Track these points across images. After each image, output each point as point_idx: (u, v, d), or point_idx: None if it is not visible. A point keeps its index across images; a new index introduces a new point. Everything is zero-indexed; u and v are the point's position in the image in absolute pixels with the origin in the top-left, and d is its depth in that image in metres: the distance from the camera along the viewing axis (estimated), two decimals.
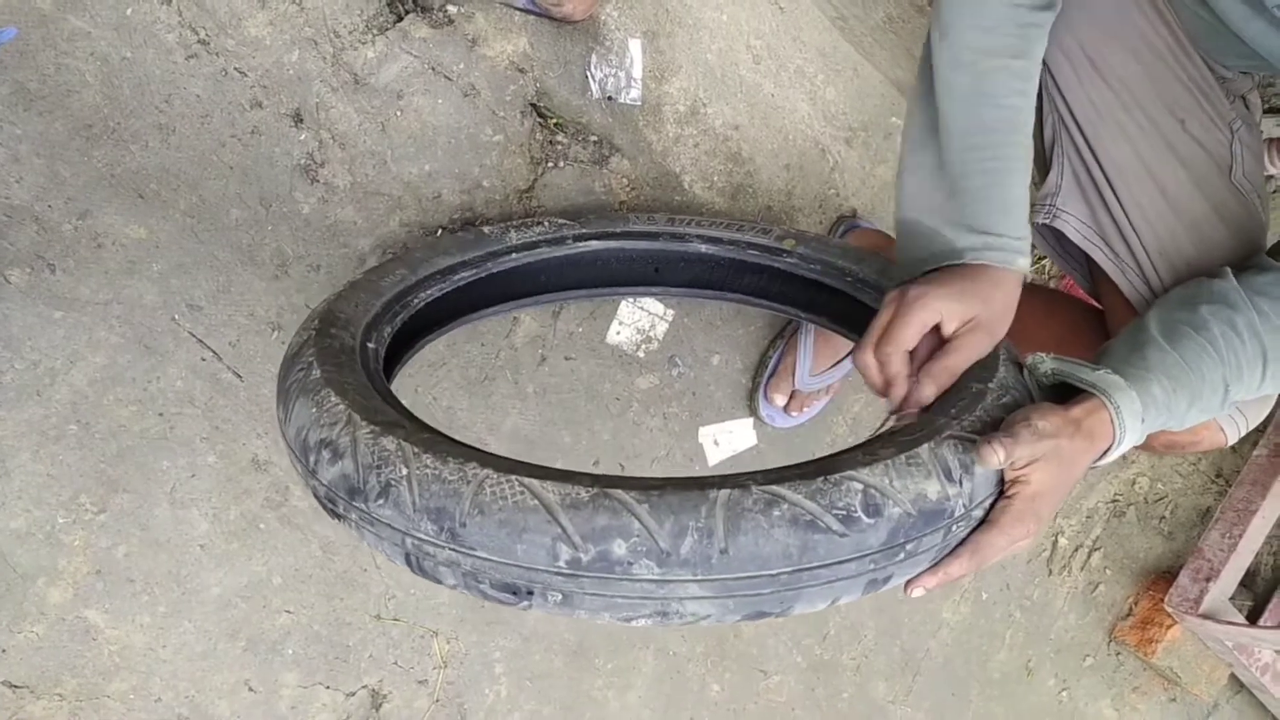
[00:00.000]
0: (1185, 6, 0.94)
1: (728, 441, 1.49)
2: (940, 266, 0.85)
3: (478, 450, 0.67)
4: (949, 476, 0.66)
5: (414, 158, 1.18)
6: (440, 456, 0.64)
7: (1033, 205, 1.04)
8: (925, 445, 0.67)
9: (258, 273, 1.13)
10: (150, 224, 1.07)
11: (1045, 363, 0.78)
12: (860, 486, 0.62)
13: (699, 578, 0.60)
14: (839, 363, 1.42)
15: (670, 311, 1.40)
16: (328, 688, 1.24)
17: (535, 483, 0.61)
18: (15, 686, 1.06)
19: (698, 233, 1.21)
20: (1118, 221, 0.98)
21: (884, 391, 0.83)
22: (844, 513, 0.61)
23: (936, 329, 0.82)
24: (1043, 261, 1.76)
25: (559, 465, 1.33)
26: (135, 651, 1.12)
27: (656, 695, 1.50)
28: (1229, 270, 0.87)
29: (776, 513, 0.60)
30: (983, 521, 0.70)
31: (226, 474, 1.14)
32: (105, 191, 1.04)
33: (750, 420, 1.50)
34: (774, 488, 0.61)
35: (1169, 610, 1.94)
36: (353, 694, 1.25)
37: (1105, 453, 0.75)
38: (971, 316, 0.81)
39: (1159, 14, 0.94)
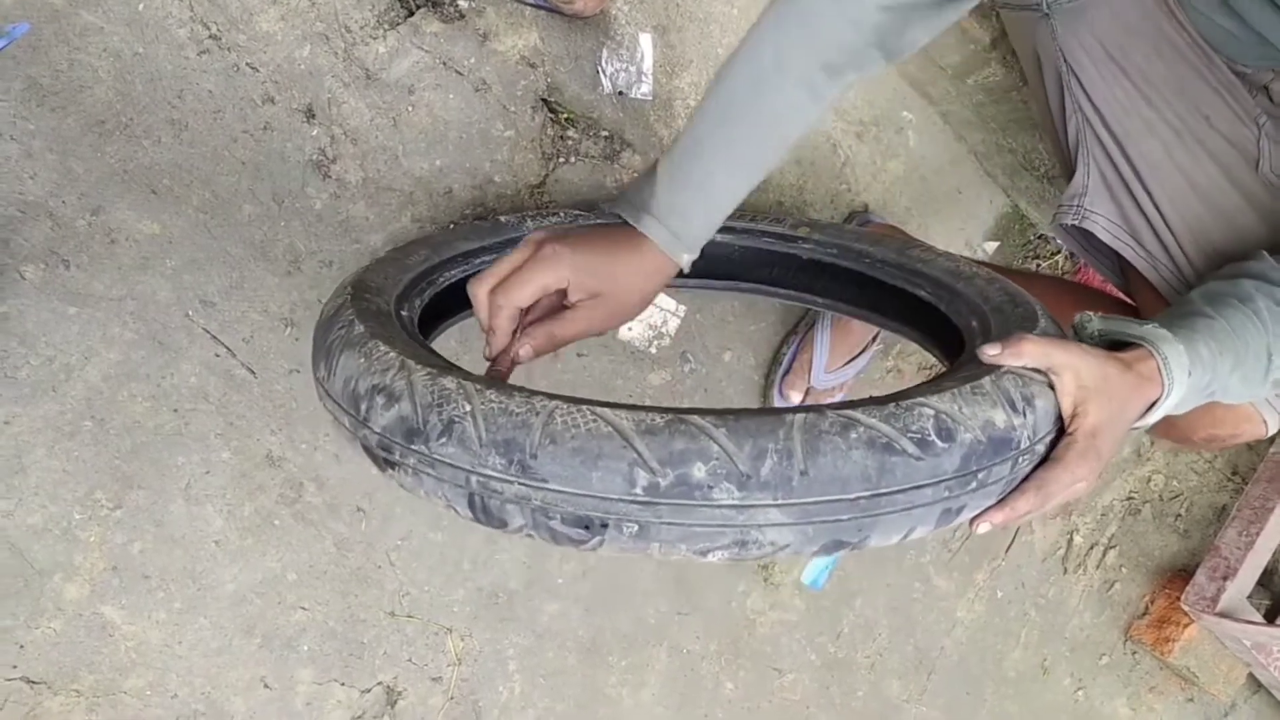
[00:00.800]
0: (1202, 15, 0.93)
1: None
2: (618, 220, 0.85)
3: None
4: (1013, 406, 0.66)
5: (425, 153, 1.19)
6: (504, 390, 0.62)
7: (1059, 206, 1.04)
8: (987, 378, 0.67)
9: (270, 268, 1.13)
10: (163, 220, 1.07)
11: (1093, 321, 0.78)
12: (931, 412, 0.62)
13: (779, 502, 0.59)
14: (854, 359, 1.42)
15: (682, 307, 1.39)
16: (343, 684, 1.23)
17: (608, 411, 0.60)
18: (33, 682, 1.06)
19: None
20: (1149, 217, 0.97)
21: (486, 332, 0.81)
22: (918, 436, 0.61)
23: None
24: (1056, 258, 1.75)
25: None
26: (151, 647, 1.11)
27: (670, 693, 1.49)
28: (1265, 253, 0.86)
29: (854, 435, 0.60)
30: (1045, 459, 0.70)
31: (241, 470, 1.14)
32: (118, 187, 1.04)
33: None
34: (849, 412, 0.60)
35: (1186, 609, 1.93)
36: (368, 690, 1.25)
37: (1153, 406, 0.74)
38: (598, 293, 0.80)
39: (1175, 18, 0.94)
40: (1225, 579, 1.87)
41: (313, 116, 1.12)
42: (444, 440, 0.62)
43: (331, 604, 1.22)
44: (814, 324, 1.42)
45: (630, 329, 1.36)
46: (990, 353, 0.71)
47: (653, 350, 1.39)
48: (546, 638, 1.37)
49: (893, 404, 0.62)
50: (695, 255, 0.86)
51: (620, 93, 1.28)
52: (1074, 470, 0.70)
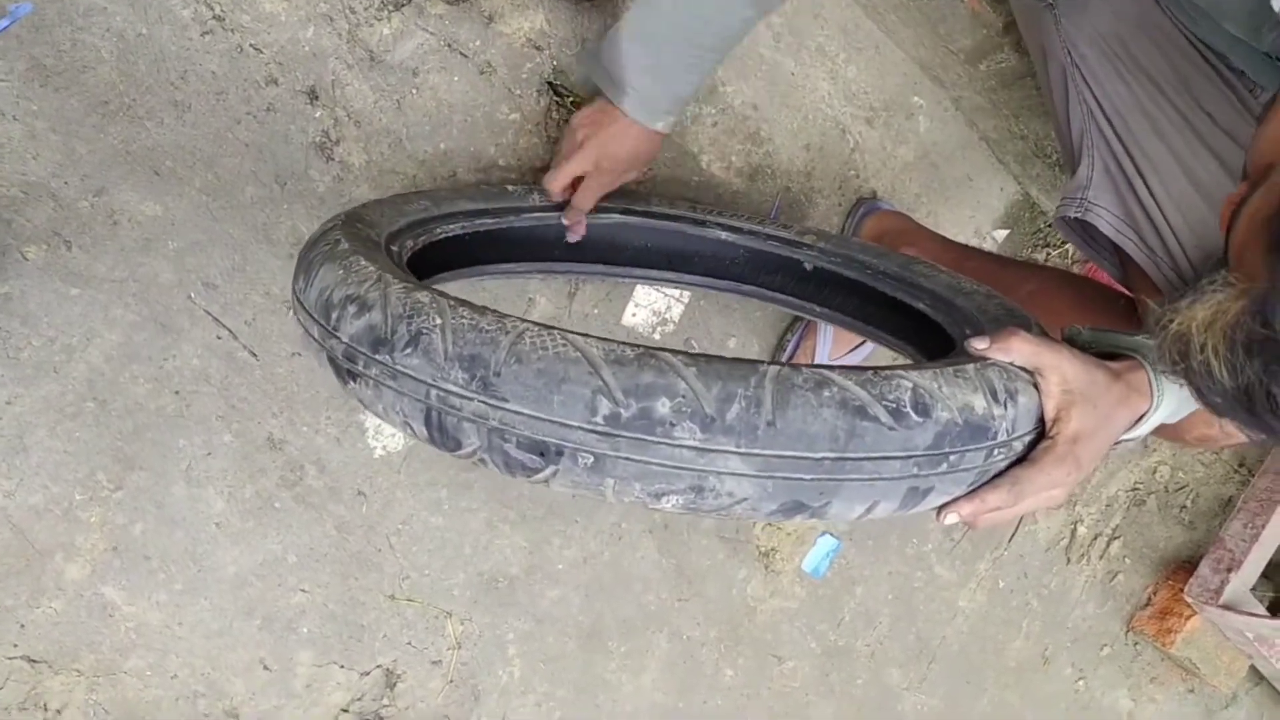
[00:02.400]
0: (1199, 25, 0.92)
1: None
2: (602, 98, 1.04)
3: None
4: (994, 396, 0.65)
5: (429, 136, 1.18)
6: (477, 309, 0.61)
7: (1061, 199, 1.03)
8: (971, 365, 0.66)
9: (273, 251, 1.12)
10: (166, 201, 1.06)
11: (1083, 333, 0.78)
12: (909, 384, 0.61)
13: (741, 450, 0.58)
14: (858, 346, 1.41)
15: (686, 293, 1.38)
16: (342, 667, 1.24)
17: (579, 337, 0.59)
18: (34, 661, 1.07)
19: (717, 220, 1.20)
20: (1150, 214, 0.96)
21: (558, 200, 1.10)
22: (893, 405, 0.60)
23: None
24: (1066, 246, 1.73)
25: None
26: (152, 628, 1.12)
27: (670, 679, 1.49)
28: None
29: (826, 393, 0.58)
30: (1023, 459, 0.70)
31: (242, 452, 1.14)
32: (121, 168, 1.04)
33: None
34: (825, 371, 0.60)
35: (1189, 601, 1.92)
36: (367, 673, 1.26)
37: (1142, 417, 0.74)
38: (632, 171, 1.09)
39: (1174, 20, 0.93)
40: (1229, 571, 1.86)
41: (316, 98, 1.11)
42: (409, 351, 0.60)
43: (332, 587, 1.22)
44: None
45: (634, 314, 1.36)
46: (978, 345, 0.70)
47: (656, 336, 1.38)
48: (546, 623, 1.38)
49: (871, 371, 0.61)
50: (673, 120, 1.05)
51: None
52: (1050, 474, 0.69)
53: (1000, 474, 0.69)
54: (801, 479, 0.60)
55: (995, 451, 0.66)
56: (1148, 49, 0.94)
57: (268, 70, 1.08)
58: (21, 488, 1.04)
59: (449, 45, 1.16)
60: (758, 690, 1.58)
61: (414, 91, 1.15)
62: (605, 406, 0.57)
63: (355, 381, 0.66)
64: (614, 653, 1.44)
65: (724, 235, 1.20)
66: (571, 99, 1.24)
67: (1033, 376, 0.70)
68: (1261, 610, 1.88)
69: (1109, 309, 1.09)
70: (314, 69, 1.10)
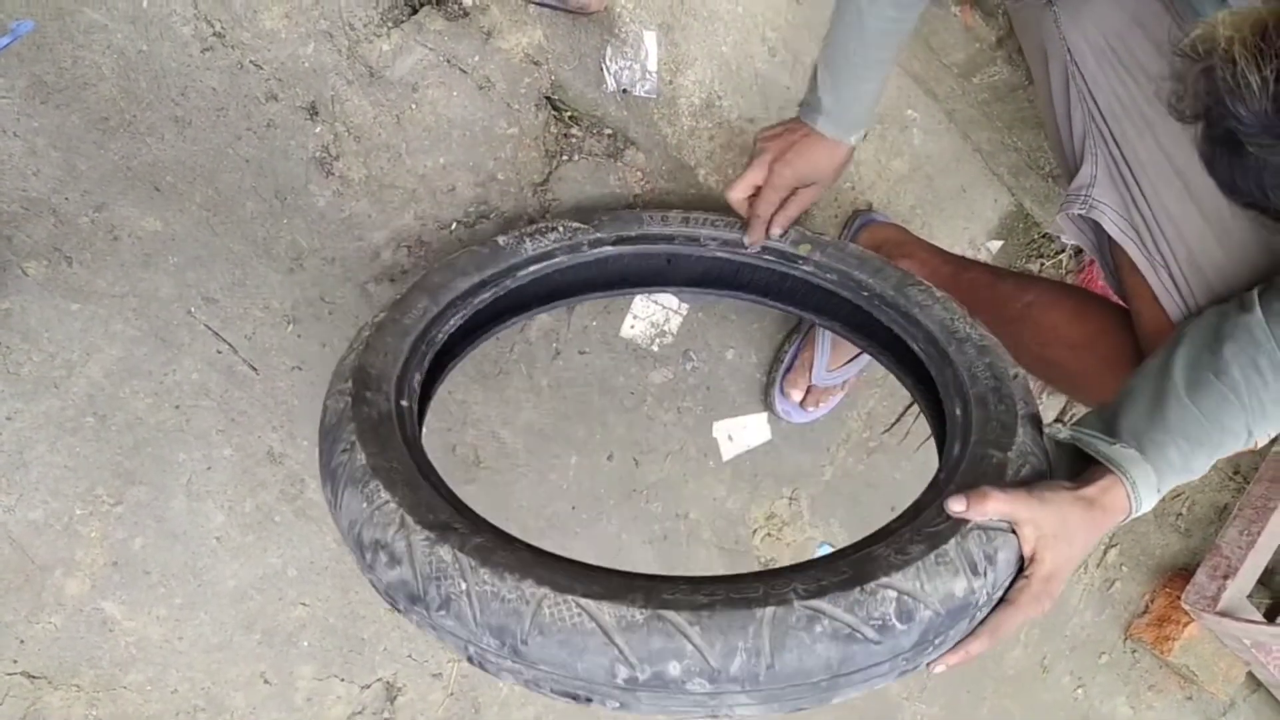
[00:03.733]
0: (1205, 6, 0.92)
1: (741, 437, 1.48)
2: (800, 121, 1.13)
3: (528, 552, 0.70)
4: (975, 570, 0.70)
5: (429, 151, 1.18)
6: (497, 571, 0.67)
7: (1065, 197, 1.04)
8: (952, 541, 0.71)
9: (273, 266, 1.13)
10: (166, 217, 1.07)
11: (1061, 432, 0.83)
12: (895, 594, 0.67)
13: (747, 690, 0.65)
14: (855, 358, 1.42)
15: (684, 306, 1.39)
16: (343, 680, 1.24)
17: (591, 604, 0.65)
18: (33, 677, 1.07)
19: (712, 234, 1.21)
20: (1145, 218, 0.97)
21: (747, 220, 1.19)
22: (880, 623, 0.66)
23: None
24: (1060, 257, 1.74)
25: (572, 461, 1.34)
26: (152, 643, 1.12)
27: None
28: (1256, 299, 0.86)
29: (819, 628, 0.65)
30: (1001, 600, 0.75)
31: (242, 466, 1.15)
32: (121, 184, 1.04)
33: (764, 415, 1.49)
34: (815, 603, 0.65)
35: (1186, 608, 1.93)
36: (368, 686, 1.26)
37: (1122, 520, 0.79)
38: (813, 181, 1.15)
39: (1175, 11, 0.93)
40: (1226, 578, 1.87)
41: (316, 114, 1.12)
42: (443, 613, 0.68)
43: (332, 600, 1.22)
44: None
45: (632, 326, 1.36)
46: (956, 509, 0.73)
47: (655, 348, 1.39)
48: None
49: (858, 589, 0.66)
50: (861, 133, 1.14)
51: (624, 90, 1.27)
52: (1026, 612, 0.74)
53: (982, 622, 0.74)
54: (802, 697, 0.67)
55: (977, 615, 0.72)
56: (1145, 46, 0.94)
57: (268, 86, 1.09)
58: (21, 503, 1.04)
59: (448, 61, 1.17)
60: None
61: (413, 107, 1.16)
62: (623, 672, 0.64)
63: (401, 615, 0.73)
64: None
65: (720, 253, 1.21)
66: (569, 113, 1.25)
67: (1009, 525, 0.74)
68: (1258, 616, 1.88)
69: (1106, 320, 1.10)
70: (314, 85, 1.11)
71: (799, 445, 1.53)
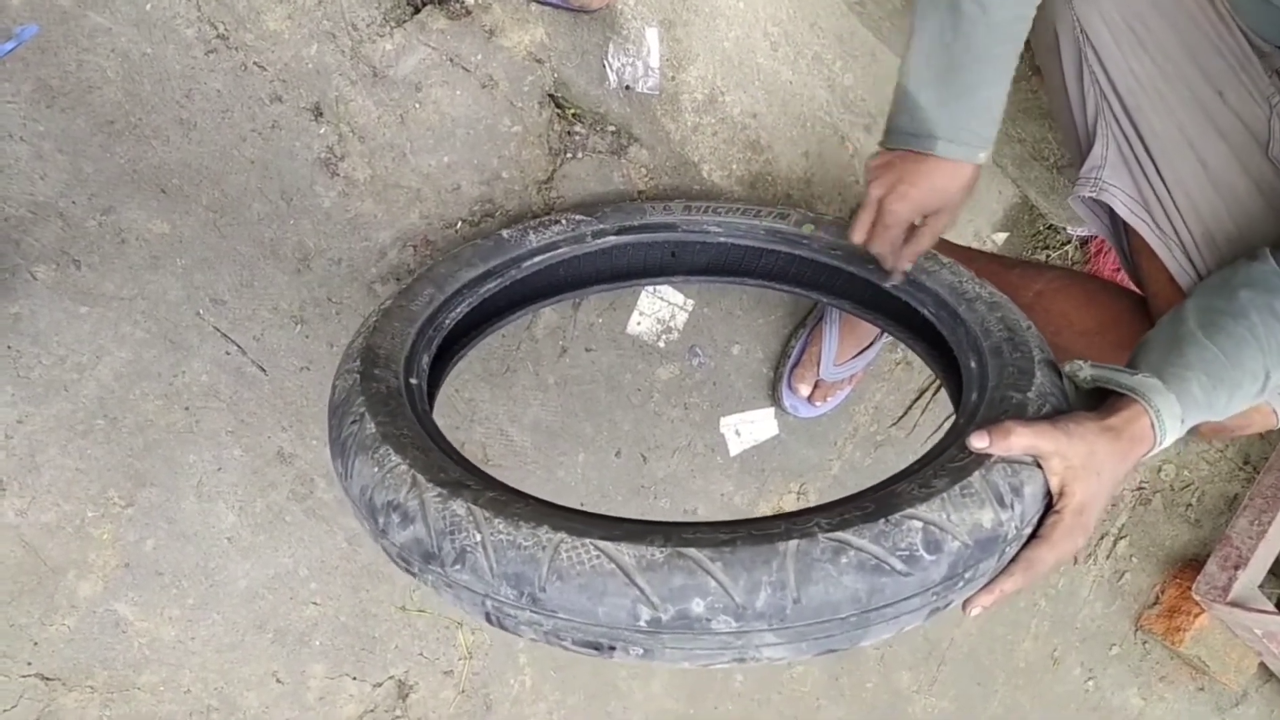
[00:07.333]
0: None
1: (749, 432, 1.48)
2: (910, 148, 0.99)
3: (543, 504, 0.68)
4: (1001, 502, 0.67)
5: (433, 150, 1.19)
6: (511, 520, 0.65)
7: (1078, 179, 1.04)
8: (977, 473, 0.68)
9: (280, 266, 1.13)
10: (173, 219, 1.07)
11: (1084, 369, 0.79)
12: (920, 525, 0.64)
13: (774, 627, 0.62)
14: (863, 351, 1.42)
15: (690, 301, 1.39)
16: (354, 679, 1.24)
17: (610, 546, 0.63)
18: (47, 679, 1.07)
19: (715, 221, 1.21)
20: (1159, 196, 0.97)
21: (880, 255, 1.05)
22: (907, 553, 0.63)
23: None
24: (1066, 248, 1.74)
25: (580, 458, 1.34)
26: (164, 644, 1.13)
27: (680, 685, 1.50)
28: (1268, 252, 0.86)
29: (844, 560, 0.62)
30: (1033, 537, 0.72)
31: (252, 467, 1.15)
32: (128, 187, 1.05)
33: (771, 410, 1.49)
34: (840, 534, 0.63)
35: (1197, 598, 1.92)
36: (379, 685, 1.26)
37: (1146, 453, 0.76)
38: (938, 208, 1.00)
39: None
40: (1237, 568, 1.86)
41: (320, 115, 1.12)
42: (458, 567, 0.66)
43: (343, 599, 1.22)
44: (822, 317, 1.42)
45: (639, 323, 1.37)
46: (978, 444, 0.71)
47: (661, 344, 1.39)
48: None
49: (882, 520, 0.64)
50: (990, 149, 0.99)
51: (627, 87, 1.28)
52: (1060, 547, 0.71)
53: (1014, 559, 0.71)
54: (831, 635, 0.64)
55: (1008, 549, 0.69)
56: (1161, 22, 0.94)
57: (272, 88, 1.09)
58: (34, 506, 1.05)
59: (451, 60, 1.17)
60: (768, 695, 1.58)
61: (417, 106, 1.16)
62: (646, 613, 0.62)
63: (416, 578, 0.71)
64: None
65: (722, 239, 1.21)
66: (572, 110, 1.25)
67: (1035, 459, 0.71)
68: (1269, 606, 1.88)
69: (1117, 306, 1.10)
70: (318, 86, 1.11)
71: (806, 440, 1.53)
